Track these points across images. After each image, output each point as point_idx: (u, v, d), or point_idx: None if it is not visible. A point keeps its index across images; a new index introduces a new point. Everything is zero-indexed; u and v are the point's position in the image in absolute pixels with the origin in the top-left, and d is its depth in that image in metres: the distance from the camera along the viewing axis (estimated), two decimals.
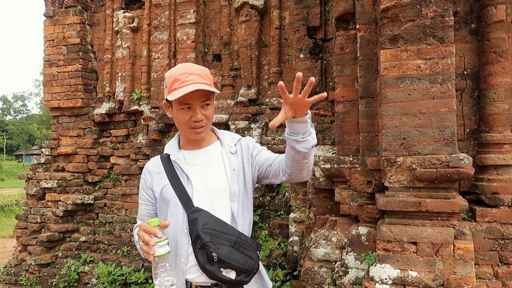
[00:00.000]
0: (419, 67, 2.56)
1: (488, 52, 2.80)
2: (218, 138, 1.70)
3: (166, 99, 1.55)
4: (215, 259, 1.43)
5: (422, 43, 2.55)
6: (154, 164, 1.68)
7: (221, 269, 1.45)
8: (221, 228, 1.49)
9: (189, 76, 1.46)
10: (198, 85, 1.43)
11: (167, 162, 1.64)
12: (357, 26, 3.07)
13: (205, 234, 1.45)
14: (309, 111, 1.38)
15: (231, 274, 1.46)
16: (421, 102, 2.55)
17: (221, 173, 1.59)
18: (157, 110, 5.02)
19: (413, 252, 2.51)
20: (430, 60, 2.53)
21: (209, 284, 1.52)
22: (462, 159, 2.43)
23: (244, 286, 1.55)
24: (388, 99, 2.61)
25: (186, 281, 1.53)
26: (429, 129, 2.53)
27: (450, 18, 2.50)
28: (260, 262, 1.62)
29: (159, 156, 1.70)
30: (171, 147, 1.67)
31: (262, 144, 4.45)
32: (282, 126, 4.60)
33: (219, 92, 1.57)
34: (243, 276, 1.49)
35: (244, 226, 1.58)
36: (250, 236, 1.61)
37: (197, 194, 1.55)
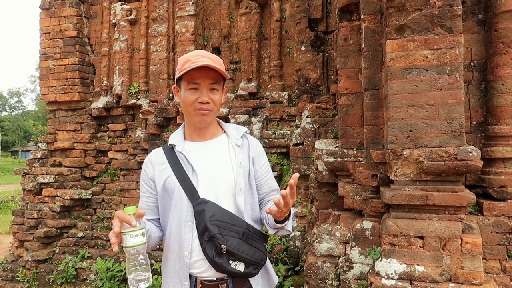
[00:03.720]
0: (427, 57, 2.49)
1: (496, 42, 2.75)
2: (224, 131, 1.65)
3: (176, 82, 1.56)
4: (224, 251, 1.39)
5: (430, 33, 2.48)
6: (156, 155, 1.63)
7: (230, 262, 1.41)
8: (229, 220, 1.45)
9: (200, 58, 1.46)
10: (208, 63, 1.43)
11: (171, 153, 1.59)
12: (362, 17, 3.00)
13: (213, 226, 1.40)
14: (291, 211, 1.46)
15: (240, 267, 1.42)
16: (428, 94, 2.49)
17: (227, 166, 1.55)
18: (155, 104, 4.94)
19: (419, 246, 2.46)
20: (438, 50, 2.47)
21: (215, 279, 1.47)
22: (470, 152, 2.38)
23: (250, 279, 1.51)
24: (395, 91, 2.55)
25: (190, 276, 1.47)
26: (437, 121, 2.47)
27: (459, 7, 2.43)
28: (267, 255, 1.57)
29: (161, 147, 1.66)
30: (176, 138, 1.62)
31: (262, 138, 4.38)
32: (283, 120, 4.56)
33: (228, 75, 1.53)
34: (252, 268, 1.45)
35: (248, 222, 1.53)
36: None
37: (202, 186, 1.50)
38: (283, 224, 1.47)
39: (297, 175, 1.32)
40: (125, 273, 4.52)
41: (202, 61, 1.44)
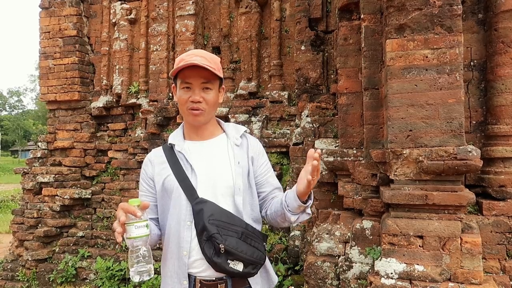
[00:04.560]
0: (426, 57, 2.49)
1: (496, 42, 2.75)
2: (223, 131, 1.65)
3: (174, 81, 1.56)
4: (222, 250, 1.38)
5: (430, 32, 2.48)
6: (156, 154, 1.63)
7: (229, 261, 1.40)
8: (227, 219, 1.44)
9: (193, 57, 1.45)
10: (198, 62, 1.43)
11: (170, 153, 1.58)
12: (362, 16, 3.00)
13: (211, 225, 1.40)
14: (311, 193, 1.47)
15: (239, 266, 1.42)
16: (428, 93, 2.49)
17: (226, 165, 1.54)
18: (155, 103, 4.94)
19: (419, 246, 2.46)
20: (438, 50, 2.47)
21: (214, 279, 1.47)
22: (470, 151, 2.38)
23: (249, 279, 1.51)
24: (394, 90, 2.55)
25: (189, 275, 1.47)
26: (436, 121, 2.47)
27: (459, 6, 2.43)
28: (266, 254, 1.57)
29: (161, 147, 1.66)
30: (175, 137, 1.61)
31: (262, 137, 4.38)
32: (282, 119, 4.56)
33: (221, 75, 1.52)
34: (251, 268, 1.45)
35: (248, 221, 1.53)
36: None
37: (201, 186, 1.50)
38: (307, 204, 1.44)
39: (312, 150, 1.36)
40: (125, 272, 4.53)
41: (194, 60, 1.43)
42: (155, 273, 1.34)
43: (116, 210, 1.27)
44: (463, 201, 2.42)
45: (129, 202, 1.29)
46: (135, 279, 1.28)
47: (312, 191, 1.46)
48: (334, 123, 3.71)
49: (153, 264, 1.32)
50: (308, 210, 1.50)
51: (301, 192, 1.38)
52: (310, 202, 1.46)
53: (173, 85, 1.60)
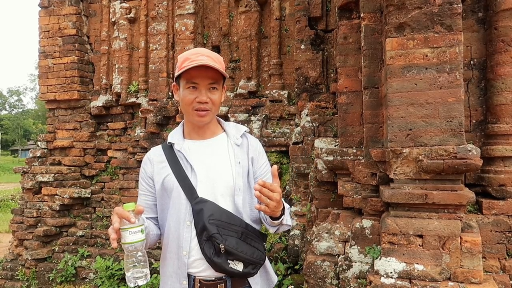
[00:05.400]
0: (426, 56, 2.48)
1: (496, 41, 2.74)
2: (224, 130, 1.64)
3: (175, 80, 1.54)
4: (222, 250, 1.38)
5: (430, 31, 2.47)
6: (155, 153, 1.62)
7: (229, 261, 1.40)
8: (227, 219, 1.44)
9: (200, 56, 1.44)
10: (207, 63, 1.41)
11: (170, 151, 1.58)
12: (361, 15, 2.99)
13: (211, 225, 1.39)
14: (285, 205, 1.48)
15: (239, 266, 1.41)
16: (428, 92, 2.48)
17: (226, 165, 1.54)
18: (155, 102, 4.94)
19: (419, 245, 2.46)
20: (438, 48, 2.46)
21: (213, 279, 1.46)
22: (470, 150, 2.37)
23: (249, 279, 1.50)
24: (394, 89, 2.54)
25: (189, 275, 1.47)
26: (436, 120, 2.47)
27: (459, 5, 2.42)
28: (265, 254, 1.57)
29: (160, 145, 1.64)
30: (175, 136, 1.60)
31: (262, 136, 4.38)
32: (282, 118, 4.54)
33: (227, 75, 1.51)
34: (251, 268, 1.44)
35: (248, 222, 1.52)
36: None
37: (201, 185, 1.49)
38: (280, 220, 1.46)
39: (275, 167, 1.38)
40: (125, 271, 4.53)
41: (201, 60, 1.42)
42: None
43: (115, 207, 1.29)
44: (463, 200, 2.42)
45: (123, 207, 1.28)
46: (131, 284, 1.28)
47: (286, 206, 1.49)
48: (333, 122, 3.71)
49: (152, 266, 1.31)
50: (288, 222, 1.52)
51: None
52: (284, 217, 1.48)
53: (174, 83, 1.58)
